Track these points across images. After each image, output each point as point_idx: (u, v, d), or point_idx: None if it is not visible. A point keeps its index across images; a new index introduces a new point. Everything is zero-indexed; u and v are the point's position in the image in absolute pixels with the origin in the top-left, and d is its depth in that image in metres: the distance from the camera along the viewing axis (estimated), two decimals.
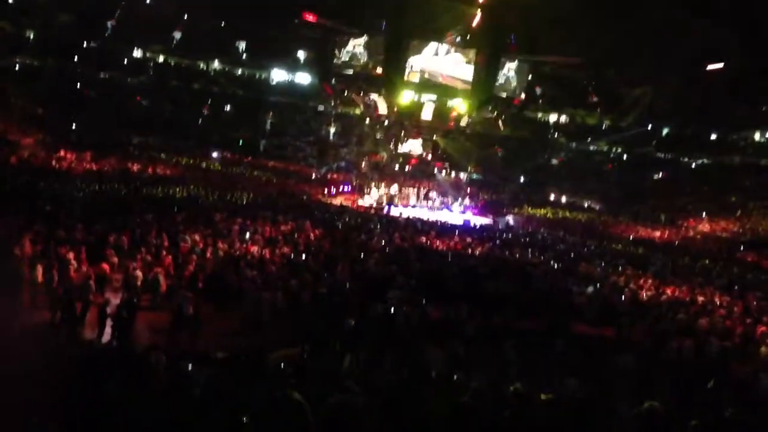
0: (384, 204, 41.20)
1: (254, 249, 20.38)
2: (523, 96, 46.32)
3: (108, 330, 12.91)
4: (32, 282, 14.40)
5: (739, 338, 16.93)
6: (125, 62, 55.84)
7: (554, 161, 55.56)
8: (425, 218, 37.40)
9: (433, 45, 42.91)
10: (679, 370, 14.24)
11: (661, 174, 54.70)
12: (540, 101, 55.20)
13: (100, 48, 54.96)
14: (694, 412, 10.16)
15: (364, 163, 49.87)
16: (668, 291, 22.61)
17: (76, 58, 53.18)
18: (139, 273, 15.58)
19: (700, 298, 21.66)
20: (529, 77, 46.47)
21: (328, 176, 49.21)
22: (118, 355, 10.90)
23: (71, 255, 15.70)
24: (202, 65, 58.05)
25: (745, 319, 18.97)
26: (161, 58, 57.50)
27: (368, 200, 42.13)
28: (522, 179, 53.98)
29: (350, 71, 44.34)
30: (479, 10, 41.12)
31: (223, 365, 9.20)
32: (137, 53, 57.00)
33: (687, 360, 15.25)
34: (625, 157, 56.85)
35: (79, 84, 51.93)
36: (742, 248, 37.69)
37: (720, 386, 13.39)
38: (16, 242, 16.31)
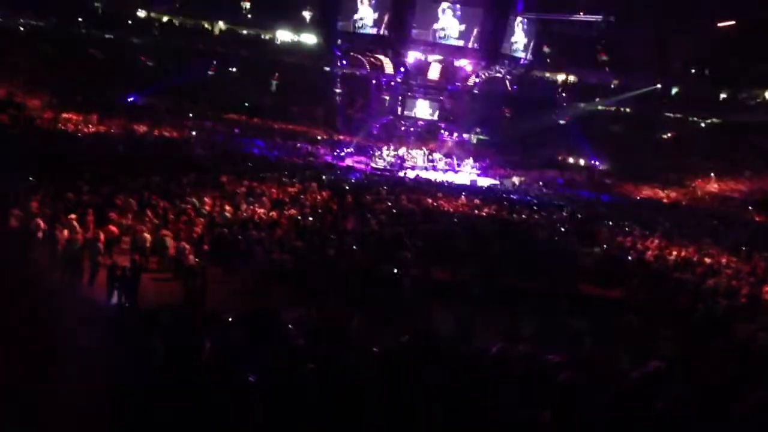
0: (396, 166, 41.33)
1: (261, 211, 20.41)
2: (530, 55, 45.81)
3: (116, 292, 13.01)
4: (41, 243, 14.49)
5: (745, 298, 16.97)
6: (129, 22, 55.22)
7: (561, 121, 55.04)
8: (432, 179, 37.37)
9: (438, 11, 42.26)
10: (685, 331, 14.31)
11: (669, 134, 54.25)
12: (548, 60, 54.50)
13: (104, 8, 54.42)
14: (698, 372, 10.24)
15: (372, 125, 49.57)
16: (675, 251, 22.58)
17: (80, 18, 52.64)
18: (147, 235, 15.65)
19: (707, 259, 21.64)
20: (536, 36, 45.94)
21: (336, 138, 49.03)
22: (127, 316, 11.00)
23: (78, 217, 15.76)
24: (206, 25, 57.40)
25: (751, 280, 19.00)
26: (165, 18, 56.90)
27: (381, 163, 42.15)
28: (529, 140, 53.57)
29: (355, 31, 43.80)
30: None
31: (231, 326, 9.28)
32: (141, 13, 56.35)
33: (693, 320, 15.33)
34: (633, 116, 56.34)
35: (83, 45, 51.52)
36: (750, 208, 37.54)
37: (725, 346, 13.49)
38: (24, 204, 16.34)
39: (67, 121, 36.71)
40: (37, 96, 40.21)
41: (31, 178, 19.34)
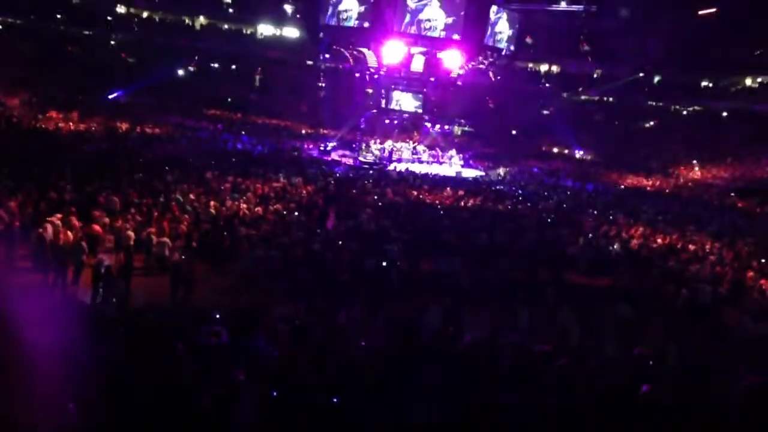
0: (385, 159, 41.29)
1: (245, 207, 20.29)
2: (513, 46, 45.78)
3: (101, 291, 12.89)
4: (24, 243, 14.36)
5: (729, 284, 17.13)
6: (109, 18, 54.66)
7: (545, 112, 55.24)
8: (417, 172, 37.34)
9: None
10: (671, 317, 14.41)
11: (652, 122, 54.58)
12: (531, 51, 54.58)
13: (83, 5, 53.88)
14: (684, 358, 10.32)
15: (356, 118, 49.43)
16: (659, 239, 22.73)
17: (59, 16, 52.11)
18: (131, 233, 15.52)
19: (691, 246, 21.80)
20: (519, 27, 45.94)
21: (321, 132, 48.92)
22: (113, 315, 10.92)
23: (62, 216, 15.61)
24: (187, 20, 56.95)
25: (735, 265, 19.18)
26: (145, 14, 56.43)
27: (369, 156, 42.08)
28: (513, 131, 53.76)
29: (339, 24, 43.58)
30: None
31: (219, 323, 9.23)
32: (121, 9, 55.83)
33: (679, 307, 15.44)
34: (616, 105, 56.65)
35: (63, 42, 51.06)
36: (732, 195, 37.87)
37: (711, 331, 13.60)
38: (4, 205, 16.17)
39: (47, 119, 36.33)
40: (16, 95, 39.78)
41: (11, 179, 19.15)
